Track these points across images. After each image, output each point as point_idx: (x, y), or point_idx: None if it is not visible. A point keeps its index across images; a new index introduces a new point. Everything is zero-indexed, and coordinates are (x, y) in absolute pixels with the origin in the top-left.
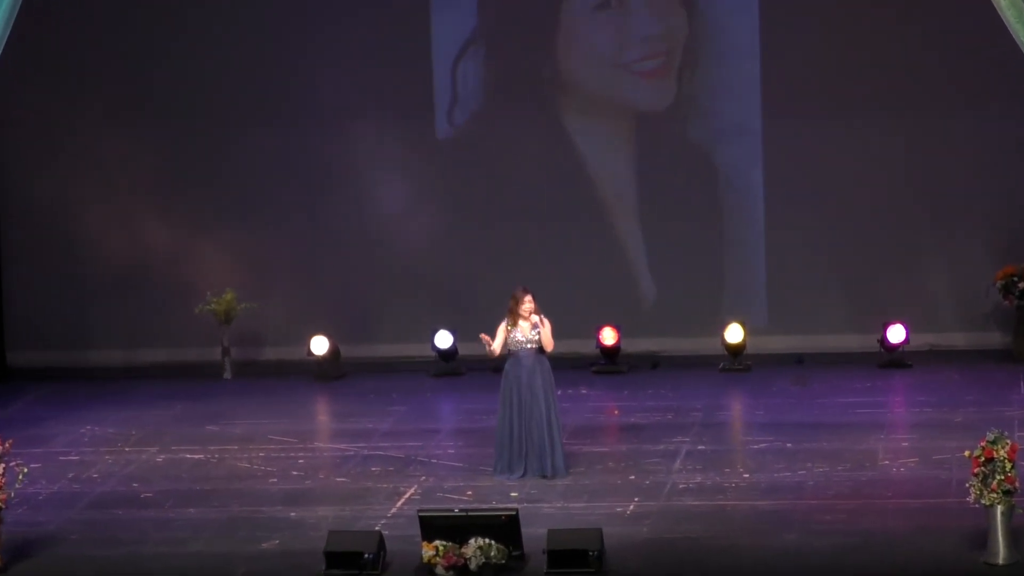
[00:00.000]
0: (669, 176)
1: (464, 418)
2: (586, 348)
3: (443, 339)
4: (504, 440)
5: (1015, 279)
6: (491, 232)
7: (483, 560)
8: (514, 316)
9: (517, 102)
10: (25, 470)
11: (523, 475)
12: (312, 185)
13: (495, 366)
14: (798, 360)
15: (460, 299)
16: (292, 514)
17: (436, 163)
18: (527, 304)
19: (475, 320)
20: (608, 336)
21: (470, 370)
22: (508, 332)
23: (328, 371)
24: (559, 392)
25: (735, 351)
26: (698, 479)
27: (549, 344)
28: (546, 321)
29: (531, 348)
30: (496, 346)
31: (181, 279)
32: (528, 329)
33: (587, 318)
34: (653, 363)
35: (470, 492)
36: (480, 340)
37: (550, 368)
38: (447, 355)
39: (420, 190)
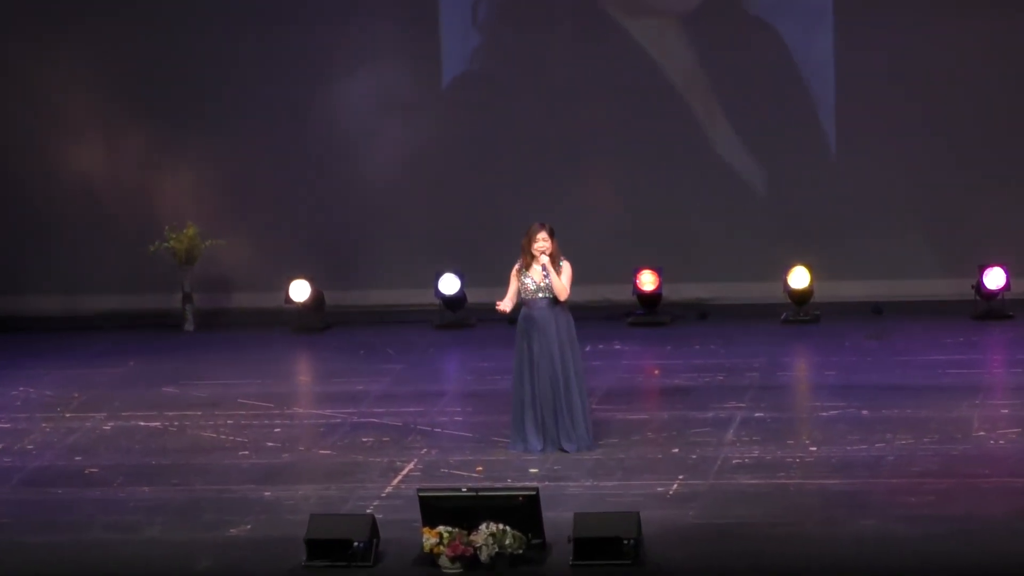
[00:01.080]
0: (721, 92)
1: (474, 379)
2: (620, 295)
3: (448, 284)
4: (520, 406)
5: None
6: (508, 159)
7: (496, 549)
8: (527, 257)
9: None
10: None
11: (543, 448)
12: (294, 100)
13: (511, 317)
14: (876, 310)
15: (470, 237)
16: (267, 494)
17: (448, 80)
18: (540, 242)
19: (487, 261)
20: (647, 281)
21: (481, 321)
22: (519, 276)
23: (310, 322)
24: (587, 348)
25: (800, 299)
26: (755, 453)
27: (561, 292)
28: (566, 265)
29: (546, 297)
30: (508, 297)
31: (134, 212)
32: (540, 274)
33: (621, 259)
34: (701, 313)
35: (480, 467)
36: (496, 304)
37: (571, 319)
38: (453, 303)
39: (426, 108)
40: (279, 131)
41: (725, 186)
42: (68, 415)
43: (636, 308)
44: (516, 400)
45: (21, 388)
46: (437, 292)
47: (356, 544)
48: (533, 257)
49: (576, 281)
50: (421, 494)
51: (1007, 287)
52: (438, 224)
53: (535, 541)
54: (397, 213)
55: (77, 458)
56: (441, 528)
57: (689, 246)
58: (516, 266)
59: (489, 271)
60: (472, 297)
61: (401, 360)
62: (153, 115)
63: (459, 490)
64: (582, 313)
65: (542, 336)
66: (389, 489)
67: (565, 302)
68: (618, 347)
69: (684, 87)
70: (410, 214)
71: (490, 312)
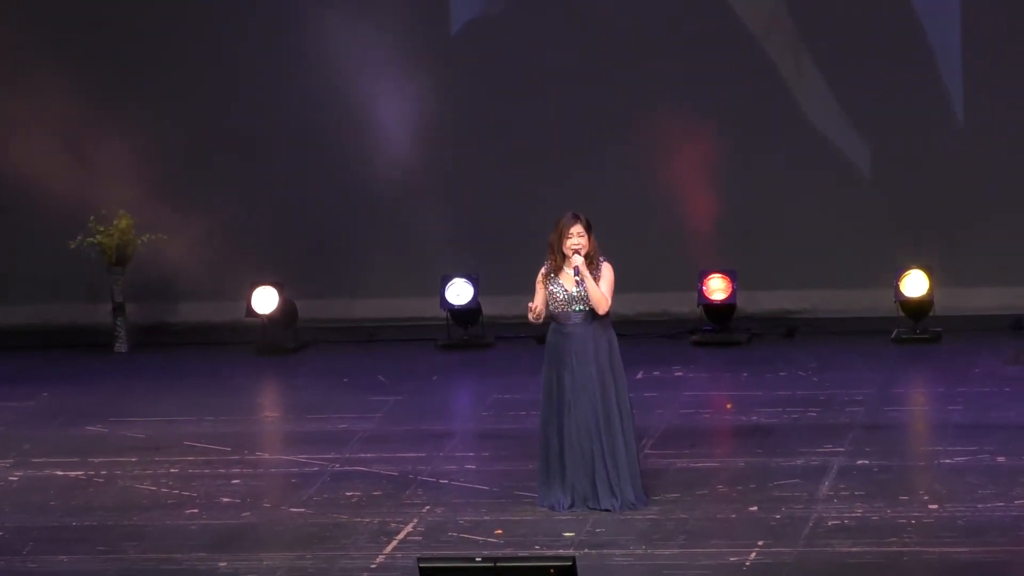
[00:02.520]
0: (813, 43)
1: (491, 415)
2: (681, 306)
3: (459, 292)
4: (548, 451)
5: None
6: (533, 134)
7: None
8: (556, 257)
9: None
10: None
11: (575, 504)
12: (261, 60)
13: (539, 333)
14: (1016, 325)
15: (485, 232)
16: (222, 564)
17: (459, 28)
18: (575, 238)
19: (507, 263)
20: (716, 288)
21: (501, 339)
22: (547, 283)
23: (278, 341)
24: (636, 375)
25: (916, 311)
26: (858, 512)
27: (601, 303)
28: (606, 268)
29: (581, 311)
30: (536, 304)
31: (49, 198)
32: (573, 279)
33: (682, 260)
34: (787, 329)
35: (500, 531)
36: (529, 310)
37: (614, 338)
38: (465, 316)
39: (430, 70)
40: (241, 98)
41: (818, 166)
42: None
43: (702, 323)
44: (544, 443)
45: None
46: (444, 302)
47: None
48: (565, 258)
49: (620, 289)
50: (422, 565)
51: None
52: (445, 216)
53: None
54: (392, 202)
55: None
56: None
57: (771, 243)
58: (543, 270)
59: (510, 275)
60: (488, 308)
61: (397, 390)
62: (77, 73)
63: (472, 560)
64: (630, 330)
65: (577, 360)
66: (381, 558)
67: (606, 316)
68: (679, 374)
69: (764, 36)
70: (409, 203)
71: (512, 326)
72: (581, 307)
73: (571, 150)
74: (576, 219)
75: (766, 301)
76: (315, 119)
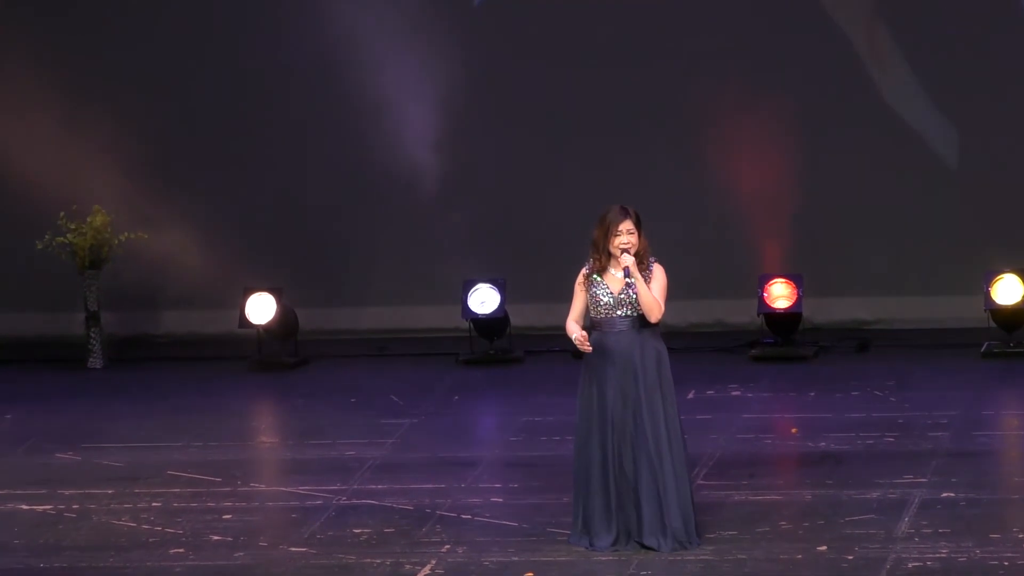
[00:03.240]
0: (892, 13)
1: (521, 440)
2: (739, 315)
3: (483, 299)
4: (585, 481)
5: None
6: (568, 118)
7: None
8: (600, 257)
9: None
10: None
11: (616, 543)
12: (259, 35)
13: (575, 348)
14: None
15: (515, 232)
16: None
17: (476, 12)
18: (624, 236)
19: (539, 267)
20: (779, 294)
21: (531, 353)
22: (588, 286)
23: (276, 355)
24: (688, 394)
25: (1009, 321)
26: (943, 552)
27: (653, 309)
28: (658, 270)
29: (628, 316)
30: (573, 318)
31: (16, 193)
32: (620, 282)
33: (740, 263)
34: (861, 342)
35: (531, 573)
36: (576, 339)
37: (663, 351)
38: (491, 327)
39: (451, 43)
40: (234, 79)
41: (896, 155)
42: None
43: (763, 335)
44: (580, 472)
45: None
46: (466, 311)
47: None
48: (611, 258)
49: (669, 295)
50: None
51: None
52: (466, 212)
53: None
54: (406, 197)
55: None
56: None
57: (841, 244)
58: (584, 271)
59: (542, 280)
60: (517, 318)
61: (412, 412)
62: (48, 54)
63: None
64: (680, 343)
65: (621, 376)
66: None
67: (657, 325)
68: (736, 393)
69: (832, 6)
70: (425, 198)
71: (545, 338)
72: (628, 312)
73: (611, 137)
74: (626, 214)
75: (836, 310)
76: (319, 107)
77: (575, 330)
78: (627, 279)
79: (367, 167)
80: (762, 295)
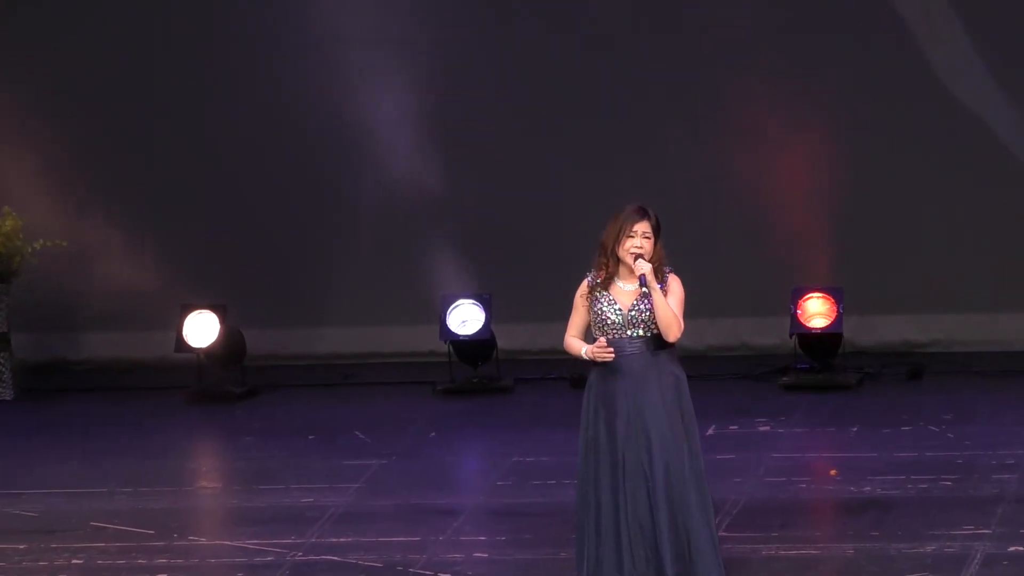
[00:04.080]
0: None
1: (511, 485)
2: (768, 336)
3: (465, 318)
4: (592, 532)
5: None
6: (562, 113)
7: None
8: (608, 263)
9: None
10: None
11: None
12: (205, 18)
13: (574, 374)
14: None
15: (500, 241)
16: None
17: None
18: (638, 239)
19: (531, 280)
20: (816, 311)
21: (522, 382)
22: (590, 301)
23: (220, 384)
24: (708, 430)
25: None
26: None
27: (671, 326)
28: (674, 282)
29: (641, 337)
30: (574, 335)
31: None
32: (631, 295)
33: (771, 277)
34: (913, 368)
35: None
36: (592, 354)
37: (682, 378)
38: (474, 350)
39: (421, 33)
40: (174, 66)
41: (954, 148)
42: None
43: (796, 359)
44: (586, 522)
45: None
46: (445, 332)
47: None
48: (620, 264)
49: (685, 312)
50: None
51: None
52: (446, 217)
53: None
54: (375, 200)
55: None
56: None
57: (890, 252)
58: (586, 281)
59: (534, 295)
60: (506, 340)
61: (381, 451)
62: None
63: None
64: (698, 368)
65: (634, 405)
66: None
67: (674, 346)
68: (765, 428)
69: None
70: (397, 201)
71: (538, 363)
72: (640, 332)
73: (614, 131)
74: (643, 214)
75: (884, 330)
76: (272, 100)
77: (581, 345)
78: (642, 288)
79: (329, 167)
80: (795, 312)
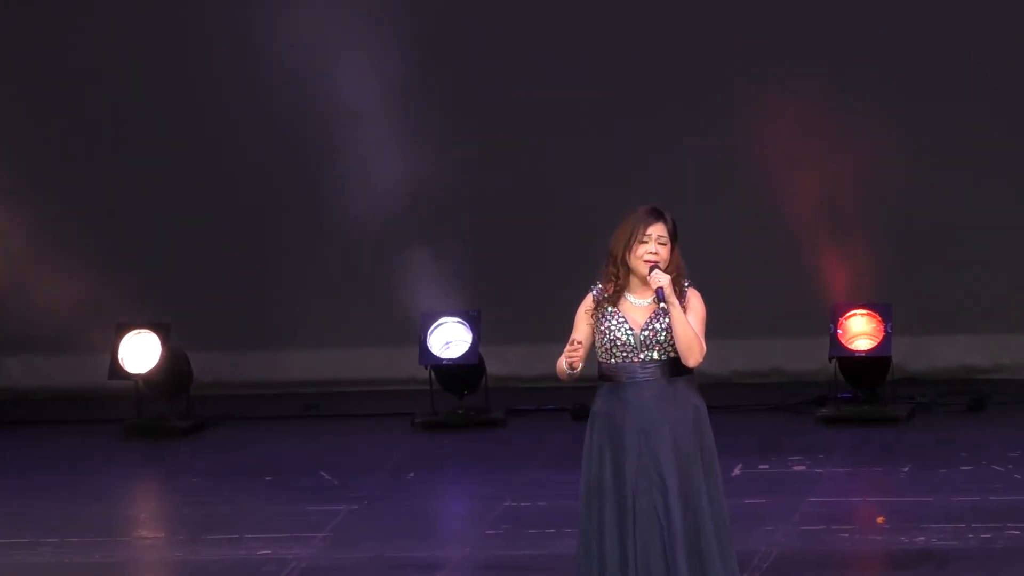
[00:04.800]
0: None
1: (502, 533)
2: (804, 361)
3: (449, 339)
4: None
5: None
6: (558, 103)
7: None
8: (617, 273)
9: None
10: None
11: None
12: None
13: (575, 404)
14: None
15: (490, 251)
16: None
17: None
18: (652, 244)
19: (524, 297)
20: (861, 333)
21: (515, 414)
22: (596, 318)
23: (162, 416)
24: (732, 471)
25: None
26: None
27: (691, 348)
28: (693, 296)
29: (656, 361)
30: (571, 360)
31: None
32: (645, 312)
33: (807, 292)
34: (974, 398)
35: None
36: (567, 364)
37: (703, 411)
38: (459, 377)
39: (401, 23)
40: (109, 62)
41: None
42: None
43: (837, 388)
44: (581, 569)
45: None
46: (426, 355)
47: None
48: (631, 275)
49: (708, 332)
50: None
51: None
52: (427, 225)
53: None
54: (345, 203)
55: None
56: None
57: (947, 261)
58: (591, 295)
59: (528, 314)
60: (496, 365)
61: (351, 495)
62: None
63: None
64: (721, 399)
65: (646, 441)
66: None
67: (693, 372)
68: (800, 468)
69: None
70: (370, 205)
71: (533, 391)
72: (655, 355)
73: (623, 127)
74: (657, 216)
75: (940, 353)
76: (231, 93)
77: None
78: (659, 303)
79: (292, 164)
80: (836, 332)
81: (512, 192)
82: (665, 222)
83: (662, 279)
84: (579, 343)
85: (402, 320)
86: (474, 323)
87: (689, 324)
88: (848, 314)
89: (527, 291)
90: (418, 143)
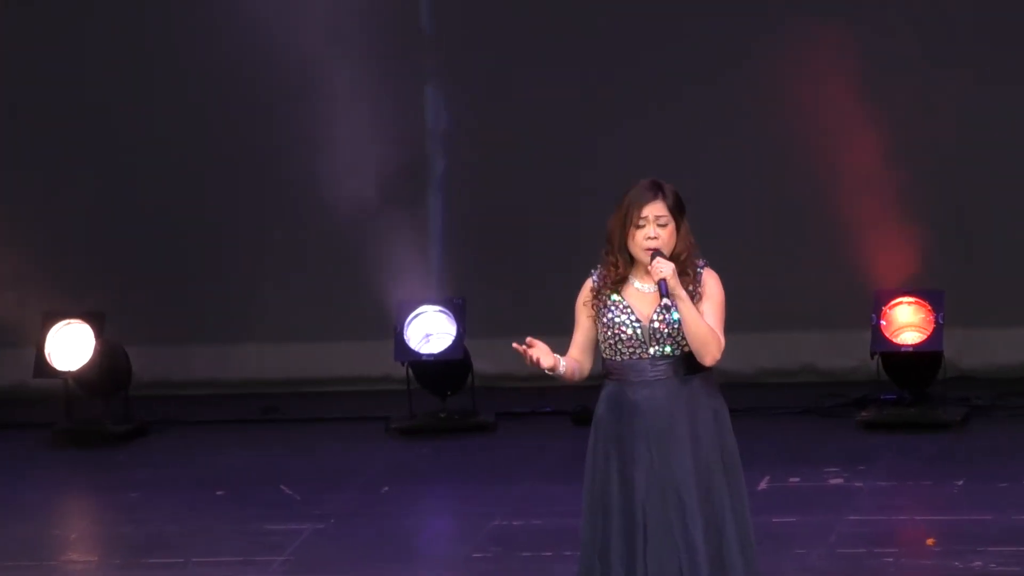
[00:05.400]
0: None
1: (490, 557)
2: (841, 357)
3: (430, 330)
4: None
5: None
6: (557, 69)
7: None
8: (617, 261)
9: None
10: None
11: None
12: None
13: (577, 407)
14: None
15: (477, 232)
16: None
17: None
18: (650, 227)
19: (520, 284)
20: (907, 324)
21: (506, 417)
22: (597, 309)
23: (95, 420)
24: (757, 484)
25: None
26: None
27: (706, 341)
28: (709, 279)
29: (667, 358)
30: (572, 355)
31: None
32: (653, 300)
33: (843, 277)
34: None
35: None
36: (529, 357)
37: (726, 414)
38: (441, 375)
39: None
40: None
41: None
42: None
43: (880, 388)
44: None
45: None
46: (403, 349)
47: None
48: (634, 262)
49: (728, 324)
50: None
51: None
52: (406, 201)
53: None
54: (309, 181)
55: None
56: None
57: (1006, 245)
58: (590, 283)
59: (523, 303)
60: (484, 361)
61: (315, 512)
62: None
63: None
64: (747, 399)
65: (657, 450)
66: None
67: (711, 370)
68: (837, 481)
69: None
70: (341, 178)
71: (527, 394)
72: (667, 349)
73: (637, 87)
74: (656, 192)
75: (998, 348)
76: (176, 56)
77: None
78: (662, 297)
79: (245, 130)
80: (879, 324)
81: (507, 161)
82: (664, 198)
83: (664, 269)
84: (530, 340)
85: (375, 309)
86: (458, 313)
87: (701, 318)
88: (893, 302)
89: (521, 275)
90: (396, 103)
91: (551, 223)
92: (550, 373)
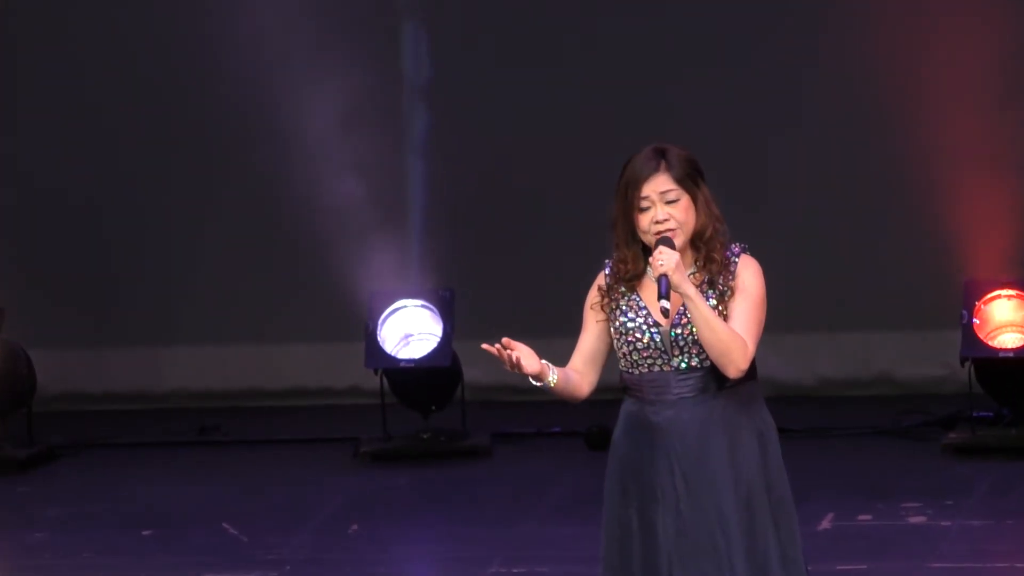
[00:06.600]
0: None
1: None
2: (921, 365)
3: (409, 331)
4: None
5: None
6: (556, 44)
7: None
8: (628, 255)
9: None
10: None
11: None
12: None
13: (592, 428)
14: None
15: (470, 215)
16: None
17: None
18: (658, 208)
19: (518, 278)
20: (1005, 323)
21: (504, 438)
22: (608, 311)
23: None
24: (818, 523)
25: None
26: None
27: (731, 348)
28: (746, 268)
29: (695, 370)
30: (573, 365)
31: None
32: (675, 298)
33: (925, 268)
34: None
35: None
36: (507, 360)
37: (774, 438)
38: (424, 387)
39: None
40: None
41: None
42: None
43: (972, 404)
44: None
45: None
46: (376, 354)
47: None
48: (643, 254)
49: (773, 324)
50: None
51: None
52: (385, 181)
53: None
54: (258, 146)
55: None
56: None
57: None
58: (599, 279)
59: (524, 301)
60: (475, 371)
61: (268, 556)
62: None
63: None
64: (806, 418)
65: (686, 484)
66: None
67: (756, 382)
68: (919, 519)
69: None
70: (298, 151)
71: (532, 413)
72: (695, 361)
73: (661, 37)
74: (656, 162)
75: None
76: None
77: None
78: (660, 301)
79: (180, 98)
80: (971, 323)
81: (503, 139)
82: (669, 168)
83: (666, 261)
84: (506, 341)
85: (342, 305)
86: (446, 308)
87: (717, 318)
88: (989, 296)
89: (522, 261)
90: (377, 69)
91: (560, 196)
92: (536, 384)
